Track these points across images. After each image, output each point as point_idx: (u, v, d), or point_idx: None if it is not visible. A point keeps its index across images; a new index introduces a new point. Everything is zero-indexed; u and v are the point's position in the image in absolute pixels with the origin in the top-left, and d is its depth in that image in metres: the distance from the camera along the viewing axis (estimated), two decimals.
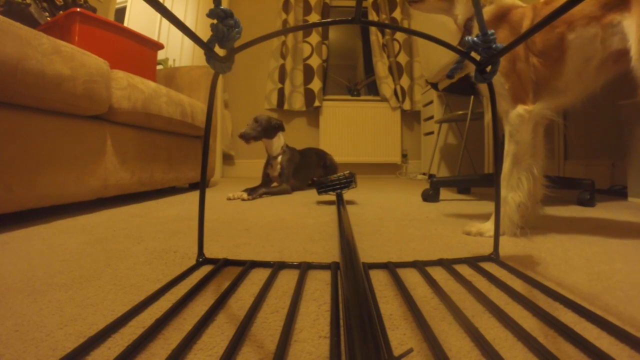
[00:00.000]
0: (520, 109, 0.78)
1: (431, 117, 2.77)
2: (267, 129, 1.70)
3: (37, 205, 0.92)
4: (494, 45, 0.48)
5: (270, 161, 1.77)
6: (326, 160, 2.14)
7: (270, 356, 0.31)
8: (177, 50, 2.97)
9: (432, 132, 2.80)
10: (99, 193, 1.16)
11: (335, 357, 0.29)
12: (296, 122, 3.42)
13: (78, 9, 1.27)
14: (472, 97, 1.99)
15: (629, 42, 0.66)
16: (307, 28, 0.86)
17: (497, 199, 0.60)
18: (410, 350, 0.25)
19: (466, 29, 0.87)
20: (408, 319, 0.37)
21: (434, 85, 1.92)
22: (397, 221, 0.96)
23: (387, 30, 3.36)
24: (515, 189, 0.77)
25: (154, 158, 1.47)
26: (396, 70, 3.31)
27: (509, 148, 0.79)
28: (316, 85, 3.26)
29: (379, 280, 0.49)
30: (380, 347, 0.24)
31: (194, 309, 0.40)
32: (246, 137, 1.63)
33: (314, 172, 2.04)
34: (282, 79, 3.29)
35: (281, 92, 3.29)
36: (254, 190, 1.56)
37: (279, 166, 1.74)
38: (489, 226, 0.79)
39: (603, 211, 1.14)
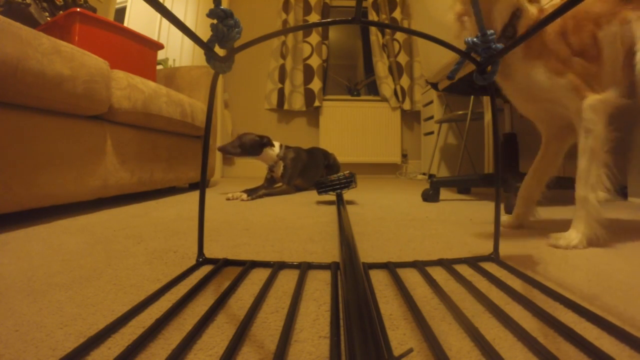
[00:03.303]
0: (591, 99, 0.70)
1: (431, 117, 2.77)
2: (252, 148, 1.66)
3: (37, 205, 0.92)
4: (493, 46, 0.48)
5: (270, 168, 1.75)
6: (329, 159, 2.12)
7: (270, 356, 0.30)
8: (177, 50, 2.97)
9: (432, 132, 2.80)
10: (99, 193, 1.16)
11: (335, 357, 0.29)
12: (296, 122, 3.42)
13: (78, 9, 1.27)
14: (472, 97, 1.99)
15: (636, 46, 0.64)
16: (307, 28, 0.86)
17: (497, 199, 0.60)
18: (410, 350, 0.25)
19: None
20: (408, 319, 0.37)
21: (434, 85, 1.92)
22: (397, 221, 0.96)
23: (387, 30, 3.36)
24: (596, 187, 0.71)
25: (154, 158, 1.47)
26: (396, 70, 3.31)
27: (585, 144, 0.71)
28: (316, 85, 3.26)
29: (379, 280, 0.49)
30: (380, 347, 0.24)
31: (194, 309, 0.40)
32: (222, 150, 1.62)
33: (320, 171, 2.02)
34: (282, 79, 3.29)
35: (281, 92, 3.29)
36: (253, 190, 1.55)
37: (282, 167, 1.72)
38: (574, 234, 0.71)
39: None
